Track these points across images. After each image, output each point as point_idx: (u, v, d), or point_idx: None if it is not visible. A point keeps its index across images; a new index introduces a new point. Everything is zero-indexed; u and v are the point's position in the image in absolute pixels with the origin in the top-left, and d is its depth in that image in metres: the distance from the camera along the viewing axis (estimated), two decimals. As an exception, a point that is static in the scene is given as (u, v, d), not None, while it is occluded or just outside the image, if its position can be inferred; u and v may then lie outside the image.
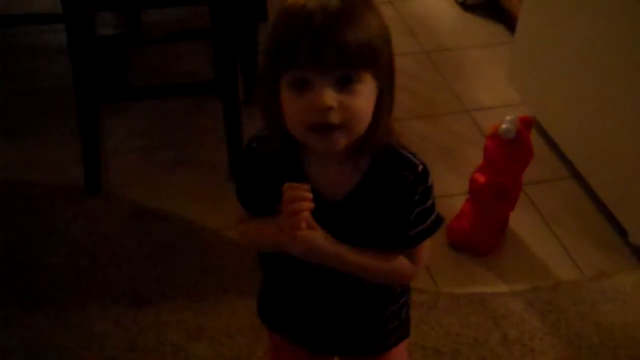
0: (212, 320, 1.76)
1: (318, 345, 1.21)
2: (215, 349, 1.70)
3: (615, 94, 1.96)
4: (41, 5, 2.61)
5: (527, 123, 1.87)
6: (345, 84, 0.91)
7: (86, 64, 1.96)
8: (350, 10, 0.91)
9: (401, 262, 1.05)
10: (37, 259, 1.90)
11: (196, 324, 1.75)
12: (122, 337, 1.72)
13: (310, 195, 0.95)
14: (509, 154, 1.84)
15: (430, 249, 1.08)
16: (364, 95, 0.93)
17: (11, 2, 2.82)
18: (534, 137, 1.96)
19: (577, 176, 2.20)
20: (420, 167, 1.01)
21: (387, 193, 1.01)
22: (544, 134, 2.30)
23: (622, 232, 2.02)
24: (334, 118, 0.91)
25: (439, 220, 1.06)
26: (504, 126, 1.81)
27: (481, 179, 1.88)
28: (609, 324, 1.80)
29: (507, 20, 2.86)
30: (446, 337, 1.75)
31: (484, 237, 1.94)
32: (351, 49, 0.89)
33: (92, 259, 1.90)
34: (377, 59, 0.93)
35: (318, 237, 0.99)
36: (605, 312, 1.83)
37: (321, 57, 0.89)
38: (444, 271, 1.91)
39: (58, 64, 2.50)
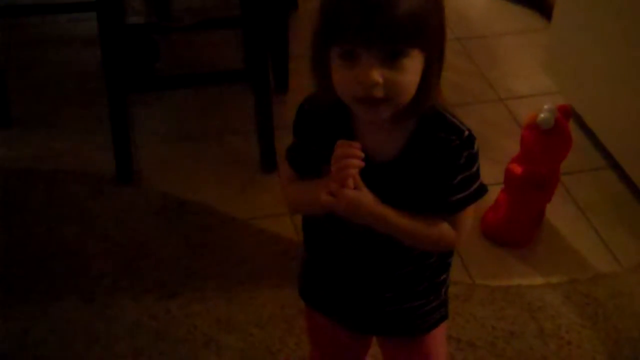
0: (242, 310, 1.74)
1: (358, 323, 1.20)
2: (246, 339, 1.69)
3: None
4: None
5: (566, 112, 1.82)
6: (392, 59, 0.92)
7: (117, 53, 1.95)
8: None
9: (443, 227, 1.05)
10: (67, 248, 1.89)
11: (227, 314, 1.74)
12: (153, 327, 1.71)
13: (361, 154, 0.97)
14: (546, 144, 1.79)
15: (473, 218, 1.08)
16: (410, 70, 0.93)
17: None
18: (571, 126, 1.91)
19: (615, 166, 2.15)
20: (467, 133, 1.01)
21: (432, 156, 1.01)
22: (580, 122, 2.25)
23: (661, 224, 1.98)
24: (379, 92, 0.93)
25: (483, 189, 1.06)
26: (542, 115, 1.76)
27: (517, 169, 1.84)
28: (649, 317, 1.76)
29: (541, 6, 2.80)
30: (481, 330, 1.71)
31: (519, 229, 1.91)
32: (400, 25, 0.90)
33: (122, 249, 1.89)
34: (426, 32, 0.92)
35: (364, 196, 0.99)
36: (644, 305, 1.79)
37: (370, 34, 0.90)
38: (479, 263, 1.88)
39: (86, 52, 2.50)
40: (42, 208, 2.00)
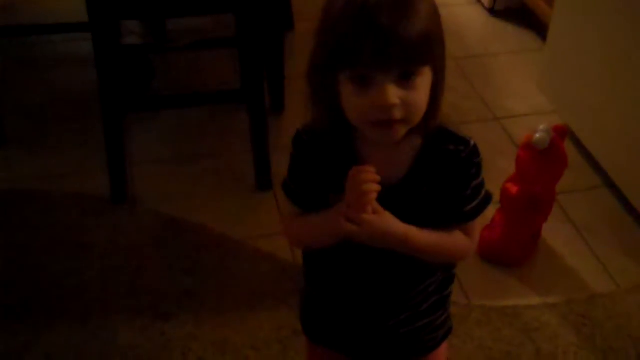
0: (237, 332, 1.73)
1: (366, 351, 1.19)
2: (242, 362, 1.67)
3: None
4: (65, 14, 2.60)
5: (562, 132, 1.82)
6: (406, 79, 0.92)
7: (112, 73, 1.94)
8: (409, 3, 0.90)
9: (460, 238, 1.06)
10: (61, 269, 1.88)
11: (222, 336, 1.72)
12: (148, 349, 1.69)
13: (378, 178, 0.96)
14: (542, 164, 1.79)
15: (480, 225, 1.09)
16: (423, 88, 0.94)
17: (36, 12, 2.82)
18: (567, 146, 1.91)
19: (611, 185, 2.14)
20: (472, 142, 1.02)
21: (444, 170, 1.01)
22: (576, 142, 2.25)
23: (659, 243, 1.97)
24: (397, 114, 0.93)
25: (490, 195, 1.07)
26: (537, 135, 1.76)
27: (513, 189, 1.84)
28: (646, 338, 1.75)
29: (537, 26, 2.82)
30: (478, 351, 1.70)
31: (516, 249, 1.90)
32: (414, 46, 0.90)
33: (117, 270, 1.88)
34: (435, 49, 0.93)
35: (387, 220, 0.98)
36: (642, 325, 1.78)
37: (385, 57, 0.90)
38: (475, 283, 1.87)
39: (81, 73, 2.50)
40: (36, 230, 1.99)
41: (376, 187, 0.96)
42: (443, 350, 1.23)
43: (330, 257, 1.09)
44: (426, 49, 0.91)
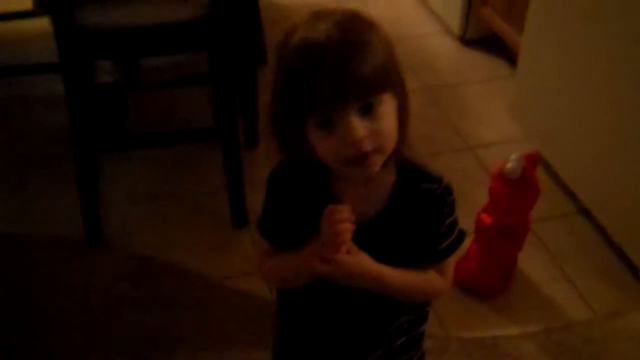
0: (216, 373, 1.72)
1: None
2: (221, 403, 1.66)
3: (621, 126, 1.93)
4: (37, 55, 2.60)
5: (533, 160, 1.83)
6: (368, 111, 0.92)
7: (84, 113, 1.94)
8: (357, 39, 0.91)
9: (434, 277, 1.06)
10: (35, 313, 1.86)
11: (200, 377, 1.71)
12: (125, 394, 1.68)
13: (352, 217, 0.96)
14: (515, 194, 1.80)
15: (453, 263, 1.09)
16: (388, 115, 0.94)
17: (7, 53, 2.81)
18: (539, 173, 1.93)
19: (585, 212, 2.16)
20: (445, 180, 1.03)
21: (417, 208, 1.01)
22: (548, 169, 2.27)
23: (633, 269, 1.98)
24: (368, 146, 0.92)
25: (463, 233, 1.07)
26: (509, 165, 1.77)
27: (487, 219, 1.85)
28: (624, 364, 1.76)
29: (507, 54, 2.85)
30: (457, 384, 1.70)
31: (492, 279, 1.90)
32: (367, 79, 0.90)
33: (92, 313, 1.86)
34: (391, 77, 0.94)
35: (361, 260, 0.98)
36: (619, 351, 1.79)
37: (342, 96, 0.90)
38: (453, 315, 1.87)
39: (53, 113, 2.49)
40: (8, 273, 1.97)
41: (351, 227, 0.96)
42: None
43: (304, 295, 1.09)
44: (380, 79, 0.91)
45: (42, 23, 1.80)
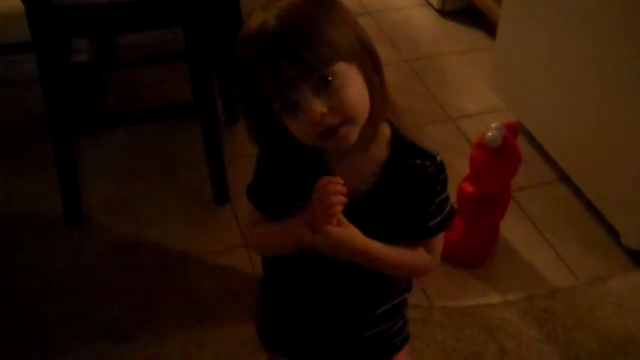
0: (200, 349, 1.71)
1: (325, 358, 1.18)
2: (206, 378, 1.66)
3: (599, 93, 1.93)
4: (10, 35, 2.56)
5: (513, 129, 1.84)
6: (325, 85, 0.92)
7: (59, 93, 1.91)
8: (296, 22, 0.91)
9: (422, 253, 1.06)
10: (17, 294, 1.84)
11: (184, 354, 1.70)
12: (109, 372, 1.67)
13: (344, 190, 0.96)
14: (496, 162, 1.80)
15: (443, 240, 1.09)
16: (347, 85, 0.93)
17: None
18: (520, 142, 1.93)
19: (566, 179, 2.17)
20: (439, 158, 1.02)
21: (409, 184, 1.01)
22: (529, 138, 2.28)
23: (614, 234, 1.99)
24: (331, 120, 0.92)
25: (454, 210, 1.07)
26: (489, 134, 1.77)
27: (469, 189, 1.85)
28: (607, 329, 1.77)
29: (487, 25, 2.84)
30: (441, 353, 1.71)
31: (475, 248, 1.91)
32: (308, 56, 0.90)
33: (74, 293, 1.85)
34: (341, 49, 0.92)
35: (350, 233, 0.98)
36: (602, 317, 1.80)
37: (284, 78, 0.90)
38: (436, 284, 1.87)
39: (31, 93, 2.45)
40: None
41: (343, 199, 0.96)
42: (402, 357, 1.22)
43: (290, 264, 1.09)
44: (325, 52, 0.90)
45: (18, 3, 1.77)
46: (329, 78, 0.91)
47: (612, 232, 2.00)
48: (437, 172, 1.02)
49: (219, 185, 2.08)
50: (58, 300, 1.83)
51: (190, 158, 2.25)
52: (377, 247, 1.00)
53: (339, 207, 0.96)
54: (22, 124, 2.41)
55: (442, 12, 3.02)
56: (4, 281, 1.88)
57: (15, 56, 2.61)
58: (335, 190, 0.95)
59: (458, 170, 1.96)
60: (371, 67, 0.96)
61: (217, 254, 1.95)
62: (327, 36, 0.91)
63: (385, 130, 1.02)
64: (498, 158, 1.81)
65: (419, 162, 1.01)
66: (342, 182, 0.96)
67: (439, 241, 1.08)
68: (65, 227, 2.02)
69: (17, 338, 1.74)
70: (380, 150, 1.01)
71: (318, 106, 0.91)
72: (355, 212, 0.99)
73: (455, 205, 1.10)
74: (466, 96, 2.57)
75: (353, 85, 0.94)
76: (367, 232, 1.00)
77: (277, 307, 1.18)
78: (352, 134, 0.95)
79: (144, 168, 2.25)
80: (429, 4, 3.07)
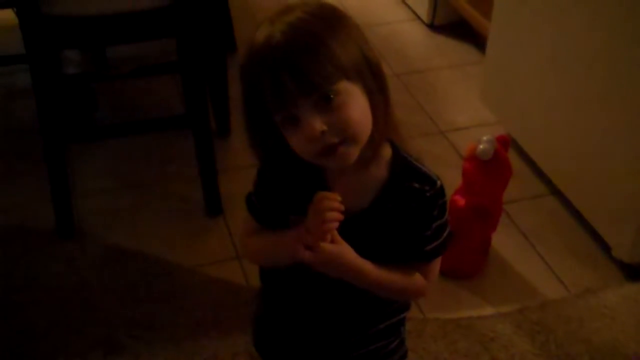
0: (193, 361, 1.71)
1: None
2: (198, 391, 1.65)
3: (590, 106, 1.95)
4: (5, 47, 2.56)
5: (504, 142, 1.85)
6: (326, 103, 0.91)
7: (52, 104, 1.91)
8: (301, 38, 0.91)
9: (416, 278, 1.05)
10: (6, 307, 1.83)
11: (177, 366, 1.70)
12: (101, 385, 1.66)
13: (341, 207, 0.95)
14: (487, 175, 1.81)
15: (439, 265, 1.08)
16: (349, 104, 0.92)
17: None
18: (511, 155, 1.94)
19: (557, 192, 2.18)
20: (439, 183, 1.02)
21: (407, 207, 1.00)
22: (520, 151, 2.29)
23: (605, 247, 2.00)
24: (331, 138, 0.92)
25: (451, 235, 1.06)
26: (481, 147, 1.79)
27: (461, 201, 1.86)
28: (599, 341, 1.77)
29: (476, 39, 2.86)
30: (435, 365, 1.71)
31: (467, 260, 1.91)
32: (311, 73, 0.90)
33: (65, 305, 1.84)
34: (345, 67, 0.92)
35: (344, 251, 0.97)
36: (594, 329, 1.81)
37: (286, 93, 0.90)
38: (429, 296, 1.84)
39: (23, 104, 2.45)
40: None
41: (339, 216, 0.95)
42: None
43: (286, 277, 1.09)
44: (328, 69, 0.90)
45: (12, 14, 1.77)
46: (331, 96, 0.91)
47: (603, 244, 2.01)
48: (435, 197, 1.01)
49: (211, 197, 2.08)
50: (48, 312, 1.82)
51: (182, 170, 2.25)
52: (369, 268, 1.00)
53: (335, 224, 0.95)
54: (13, 135, 2.41)
55: (432, 27, 3.04)
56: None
57: (8, 67, 2.60)
58: (332, 206, 0.95)
59: (449, 183, 1.93)
60: (375, 88, 0.96)
61: (210, 266, 1.95)
62: (331, 54, 0.91)
63: (386, 150, 1.01)
64: (489, 170, 1.82)
65: (417, 185, 1.00)
66: (339, 198, 0.95)
67: (435, 266, 1.07)
68: (57, 239, 2.01)
69: (7, 350, 1.73)
70: (380, 169, 1.01)
71: (318, 123, 0.91)
72: (350, 230, 0.98)
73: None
74: (456, 109, 2.58)
75: (355, 105, 0.93)
76: (361, 251, 0.99)
77: (274, 319, 1.18)
78: (352, 153, 0.94)
79: (136, 180, 2.25)
80: (419, 18, 3.09)
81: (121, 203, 2.16)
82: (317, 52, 0.90)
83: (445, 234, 1.05)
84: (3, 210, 2.13)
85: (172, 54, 2.13)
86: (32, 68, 1.87)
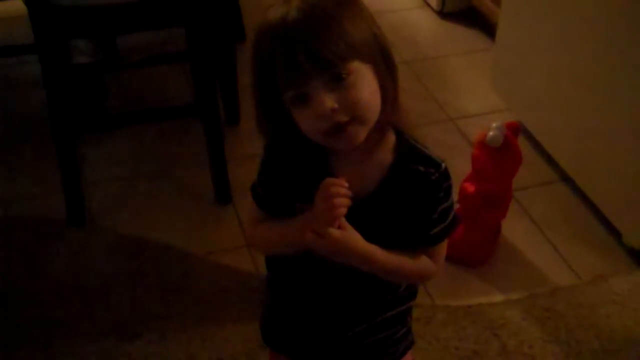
0: (204, 348, 1.71)
1: None
2: (209, 377, 1.66)
3: (600, 92, 1.94)
4: (14, 37, 2.57)
5: (514, 129, 1.84)
6: (338, 82, 0.92)
7: (62, 94, 1.92)
8: (315, 15, 0.91)
9: (424, 261, 1.05)
10: (20, 295, 1.85)
11: (188, 353, 1.70)
12: (113, 372, 1.67)
13: (349, 193, 0.95)
14: (497, 162, 1.81)
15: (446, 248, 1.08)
16: (361, 84, 0.93)
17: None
18: (521, 142, 1.94)
19: (567, 179, 2.17)
20: (443, 165, 1.02)
21: (412, 190, 1.00)
22: (530, 138, 2.28)
23: (616, 234, 2.00)
24: (341, 117, 0.92)
25: (457, 218, 1.06)
26: (491, 133, 1.78)
27: (470, 188, 1.85)
28: (609, 327, 1.77)
29: (486, 26, 2.85)
30: (444, 352, 1.71)
31: (476, 247, 1.91)
32: (326, 51, 0.90)
33: (77, 293, 1.85)
34: (358, 47, 0.93)
35: (352, 237, 0.97)
36: (603, 315, 1.81)
37: (301, 70, 0.91)
38: (439, 283, 1.88)
39: (34, 94, 2.46)
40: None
41: (346, 202, 0.95)
42: None
43: (293, 265, 1.09)
44: (342, 48, 0.91)
45: (21, 5, 1.78)
46: (343, 75, 0.92)
47: (613, 231, 2.01)
48: (440, 180, 1.01)
49: (221, 185, 2.09)
50: (60, 300, 1.83)
51: (192, 158, 2.26)
52: (378, 253, 1.00)
53: (342, 210, 0.95)
54: (24, 125, 2.42)
55: (442, 14, 3.03)
56: (5, 283, 1.88)
57: (19, 58, 2.61)
58: (339, 192, 0.95)
59: (459, 170, 1.95)
60: (386, 72, 0.96)
61: (220, 254, 1.95)
62: (346, 33, 0.91)
63: (391, 136, 1.02)
64: (499, 157, 1.82)
65: (422, 168, 1.00)
66: (346, 184, 0.95)
67: (442, 249, 1.07)
68: (67, 228, 2.03)
69: (21, 338, 1.74)
70: (385, 154, 1.01)
71: (329, 101, 0.91)
72: (356, 215, 0.98)
73: (457, 205, 1.09)
74: (466, 97, 2.57)
75: (366, 85, 0.94)
76: (368, 236, 0.99)
77: (281, 308, 1.18)
78: (360, 134, 0.95)
79: (146, 168, 2.26)
80: (428, 5, 3.08)
81: (131, 192, 2.17)
82: (331, 31, 0.91)
83: (451, 217, 1.05)
84: (15, 199, 2.14)
85: (181, 42, 2.13)
86: (42, 58, 1.87)
